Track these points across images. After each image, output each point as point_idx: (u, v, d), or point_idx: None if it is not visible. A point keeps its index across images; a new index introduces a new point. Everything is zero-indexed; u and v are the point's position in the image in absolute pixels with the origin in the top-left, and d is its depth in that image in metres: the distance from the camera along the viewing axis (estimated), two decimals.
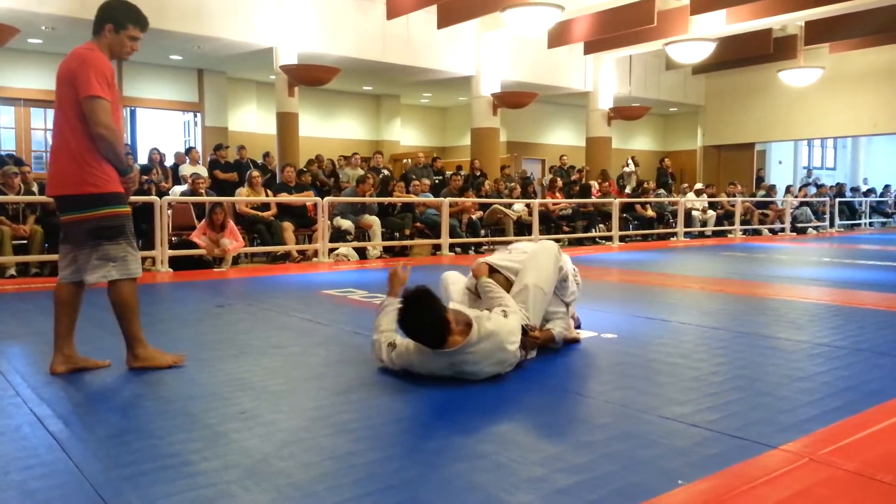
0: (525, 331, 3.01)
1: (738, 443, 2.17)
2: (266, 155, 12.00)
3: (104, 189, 2.91)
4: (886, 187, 20.23)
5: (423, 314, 2.77)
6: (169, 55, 12.95)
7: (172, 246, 7.50)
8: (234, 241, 7.58)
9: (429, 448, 2.17)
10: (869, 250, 10.75)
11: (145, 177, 8.73)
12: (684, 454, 2.09)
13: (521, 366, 3.08)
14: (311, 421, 2.41)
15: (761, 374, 3.02)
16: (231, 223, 7.72)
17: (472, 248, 10.20)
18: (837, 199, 17.15)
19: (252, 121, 15.59)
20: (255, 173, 8.96)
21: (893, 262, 8.57)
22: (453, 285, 3.51)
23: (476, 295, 3.32)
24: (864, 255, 9.70)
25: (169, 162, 11.37)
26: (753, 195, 15.87)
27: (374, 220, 9.19)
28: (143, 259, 7.73)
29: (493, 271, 3.33)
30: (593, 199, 12.59)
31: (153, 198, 7.48)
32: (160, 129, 14.46)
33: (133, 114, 14.08)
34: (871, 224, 18.69)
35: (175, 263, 7.28)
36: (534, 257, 3.31)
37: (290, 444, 2.18)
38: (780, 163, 22.26)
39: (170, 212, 7.68)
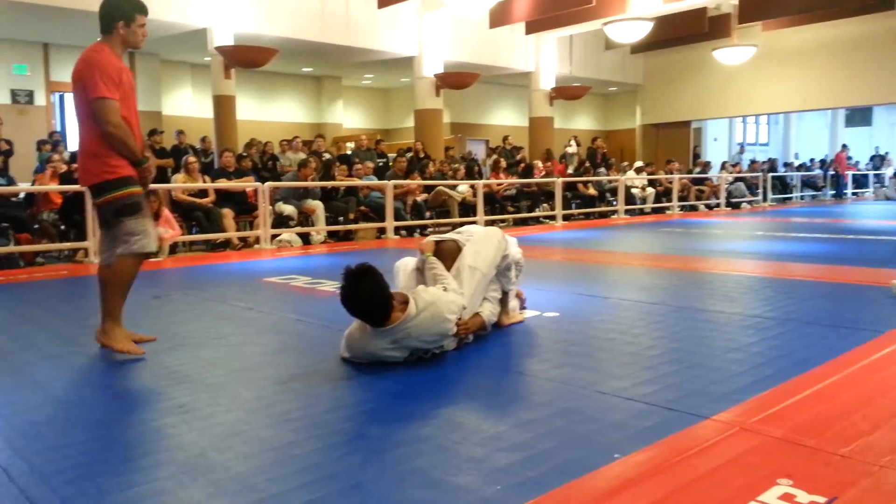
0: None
1: (673, 414, 2.24)
2: (203, 139, 11.68)
3: (118, 174, 3.10)
4: (813, 160, 21.03)
5: (365, 290, 2.76)
6: (98, 37, 12.40)
7: None
8: (169, 230, 7.36)
9: (371, 434, 2.17)
10: (800, 223, 11.16)
11: (75, 165, 8.38)
12: (621, 428, 2.14)
13: (461, 347, 3.10)
14: (250, 412, 2.37)
15: (695, 347, 3.11)
16: (165, 211, 7.49)
17: (418, 231, 10.17)
18: (770, 174, 17.72)
19: (187, 104, 15.13)
20: (192, 159, 8.70)
21: (823, 234, 8.93)
22: (403, 271, 3.48)
23: (422, 274, 3.32)
24: (795, 228, 10.08)
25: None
26: (690, 172, 16.27)
27: (317, 205, 9.07)
28: (76, 250, 7.49)
29: (440, 245, 3.33)
30: (537, 179, 12.70)
31: (83, 187, 7.19)
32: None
33: (62, 99, 13.49)
34: (802, 197, 19.41)
35: None
36: (476, 241, 3.33)
37: (229, 436, 2.14)
38: (716, 140, 22.87)
39: None
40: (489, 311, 3.30)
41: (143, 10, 3.23)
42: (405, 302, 2.85)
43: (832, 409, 2.27)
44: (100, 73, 3.01)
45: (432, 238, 3.41)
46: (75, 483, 1.83)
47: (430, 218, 10.69)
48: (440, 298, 2.90)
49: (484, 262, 3.23)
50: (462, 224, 3.65)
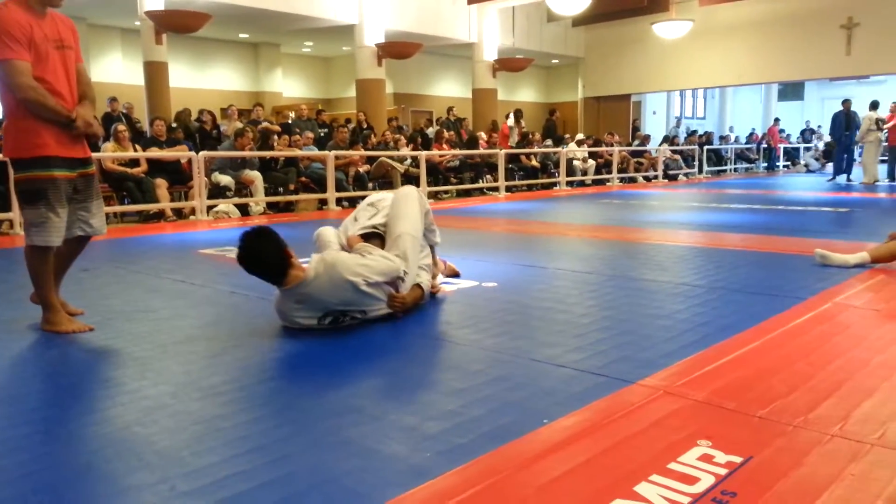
0: (389, 299, 3.04)
1: (601, 380, 2.28)
2: (126, 106, 11.13)
3: (32, 154, 2.87)
4: (753, 133, 21.67)
5: (260, 248, 2.79)
6: None
7: None
8: None
9: (301, 406, 2.14)
10: (733, 194, 11.51)
11: None
12: (551, 394, 2.17)
13: (397, 317, 3.09)
14: (178, 386, 2.32)
15: (626, 315, 3.18)
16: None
17: (359, 202, 10.05)
18: (705, 147, 18.17)
19: (117, 71, 14.52)
20: (122, 127, 8.36)
21: (754, 205, 9.23)
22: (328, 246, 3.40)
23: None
24: (728, 199, 10.39)
25: None
26: (630, 145, 16.55)
27: (255, 176, 8.87)
28: (0, 222, 7.15)
29: (367, 238, 3.28)
30: (480, 151, 12.70)
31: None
32: None
33: None
34: (735, 170, 20.00)
35: None
36: (397, 205, 3.30)
37: (155, 410, 2.09)
38: (655, 113, 23.28)
39: None
40: (426, 279, 3.30)
41: None
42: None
43: (752, 373, 2.36)
44: (2, 33, 2.71)
45: (352, 233, 3.33)
46: None
47: (373, 189, 10.59)
48: (343, 262, 2.87)
49: (412, 226, 3.24)
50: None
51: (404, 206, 3.28)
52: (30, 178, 2.89)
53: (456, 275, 4.04)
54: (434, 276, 3.56)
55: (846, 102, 14.00)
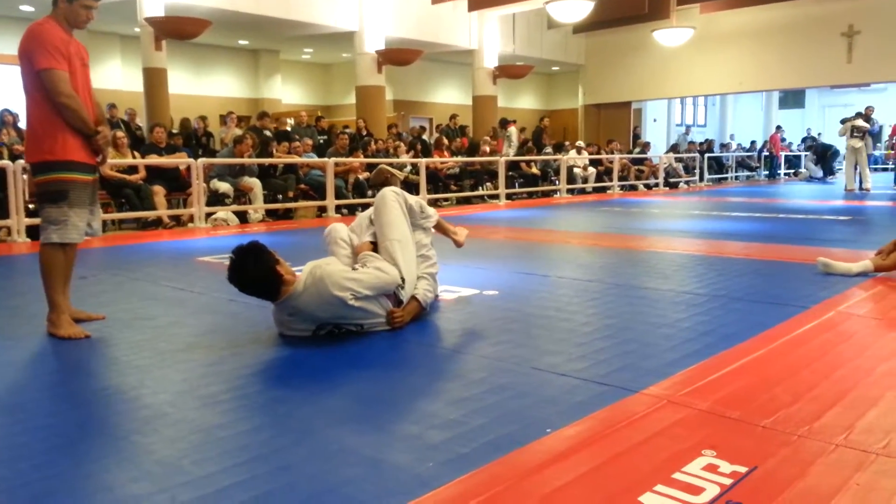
0: (388, 315, 3.02)
1: (604, 389, 2.27)
2: (128, 112, 11.14)
3: (57, 157, 3.03)
4: (752, 143, 21.69)
5: (249, 267, 2.79)
6: (19, 6, 11.81)
7: (29, 214, 6.92)
8: None
9: (301, 415, 2.13)
10: (734, 202, 11.51)
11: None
12: (553, 403, 2.15)
13: (395, 328, 3.07)
14: (177, 395, 2.30)
15: (628, 323, 3.17)
16: None
17: (360, 210, 10.06)
18: (707, 155, 18.18)
19: (117, 77, 14.54)
20: (120, 133, 8.37)
21: (756, 213, 9.23)
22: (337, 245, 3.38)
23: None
24: (729, 207, 10.38)
25: (23, 123, 10.41)
26: (630, 152, 16.56)
27: (254, 183, 8.86)
28: None
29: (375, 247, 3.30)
30: (480, 158, 12.70)
31: (5, 162, 6.88)
32: (12, 87, 13.19)
33: None
34: (737, 178, 20.00)
35: (33, 233, 6.72)
36: (377, 216, 3.31)
37: (154, 419, 2.07)
38: (655, 121, 23.31)
39: (25, 177, 7.06)
40: (423, 290, 3.25)
41: None
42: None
43: (756, 382, 2.34)
44: (44, 45, 2.96)
45: (367, 239, 3.33)
46: None
47: (372, 196, 10.57)
48: (331, 276, 2.82)
49: (398, 230, 3.23)
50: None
51: (385, 214, 3.27)
52: (54, 179, 3.05)
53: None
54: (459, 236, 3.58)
55: (868, 109, 14.02)
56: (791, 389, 2.25)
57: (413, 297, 3.18)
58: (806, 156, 20.27)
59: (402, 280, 3.07)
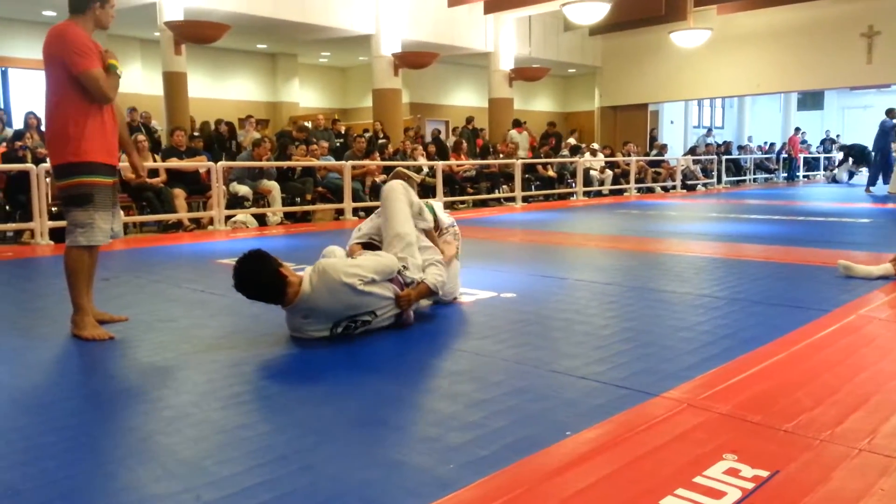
0: (396, 298, 3.05)
1: (624, 392, 2.27)
2: (143, 115, 11.23)
3: (81, 159, 3.07)
4: (771, 145, 21.48)
5: (253, 273, 2.83)
6: (42, 11, 11.97)
7: (53, 216, 7.03)
8: None
9: (323, 415, 2.14)
10: (752, 205, 11.42)
11: (19, 143, 8.09)
12: (573, 406, 2.16)
13: (404, 325, 3.10)
14: (200, 395, 2.33)
15: (647, 326, 3.16)
16: None
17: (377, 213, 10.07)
18: (724, 157, 18.04)
19: (137, 81, 14.70)
20: (141, 137, 8.47)
21: (773, 216, 9.15)
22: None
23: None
24: (747, 210, 10.30)
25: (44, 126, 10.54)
26: (647, 154, 16.47)
27: (273, 186, 8.92)
28: (21, 231, 7.24)
29: (366, 247, 3.36)
30: (496, 161, 12.70)
31: (29, 166, 6.97)
32: (36, 91, 13.39)
33: (5, 74, 12.98)
34: (755, 180, 19.83)
35: (56, 235, 6.82)
36: (384, 209, 3.36)
37: (177, 419, 2.10)
38: (672, 123, 23.17)
39: (48, 180, 7.17)
40: (434, 275, 3.27)
41: None
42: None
43: (777, 386, 2.33)
44: (77, 46, 3.01)
45: (354, 241, 3.44)
46: (17, 468, 1.78)
47: None
48: (333, 266, 2.89)
49: (402, 225, 3.27)
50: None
51: (391, 207, 3.33)
52: (78, 183, 3.09)
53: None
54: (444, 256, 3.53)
55: (892, 111, 13.73)
56: (813, 393, 2.24)
57: (421, 282, 3.21)
58: (836, 159, 19.77)
59: (403, 267, 3.12)
